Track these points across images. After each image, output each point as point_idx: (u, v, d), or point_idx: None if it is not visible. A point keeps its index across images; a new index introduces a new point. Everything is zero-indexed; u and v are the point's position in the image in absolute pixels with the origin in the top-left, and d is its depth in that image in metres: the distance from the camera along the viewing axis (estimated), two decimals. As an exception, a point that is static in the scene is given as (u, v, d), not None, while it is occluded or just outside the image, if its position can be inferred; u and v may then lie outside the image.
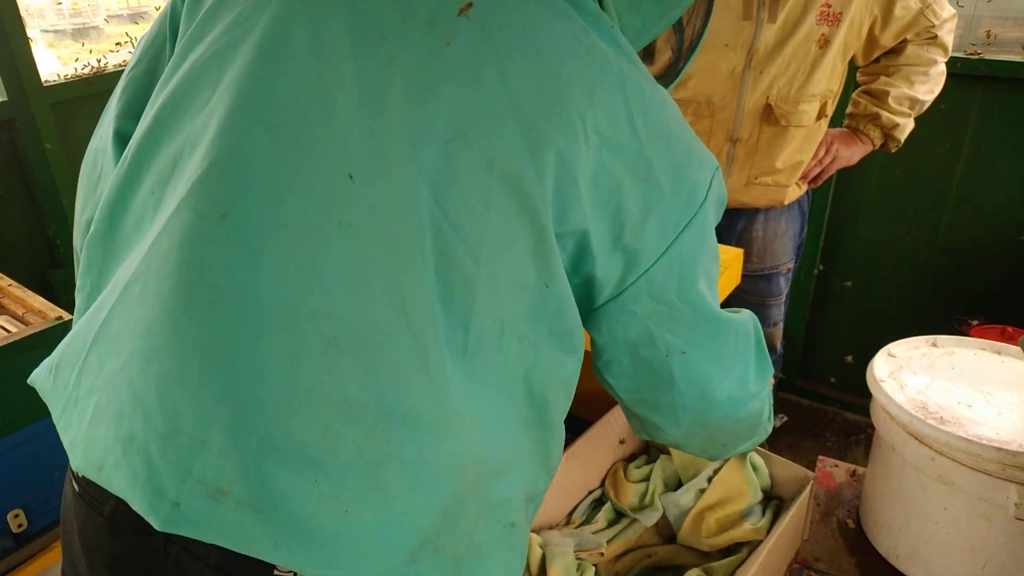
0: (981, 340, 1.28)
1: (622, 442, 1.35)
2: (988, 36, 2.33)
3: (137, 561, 0.71)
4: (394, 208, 0.67)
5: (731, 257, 1.57)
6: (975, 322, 2.42)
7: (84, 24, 11.32)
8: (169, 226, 0.68)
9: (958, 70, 2.22)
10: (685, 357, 0.83)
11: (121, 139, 0.84)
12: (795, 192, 1.98)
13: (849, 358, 2.85)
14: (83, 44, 5.30)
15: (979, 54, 2.26)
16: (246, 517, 0.63)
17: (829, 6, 1.71)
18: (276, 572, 0.67)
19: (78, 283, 0.84)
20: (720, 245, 1.61)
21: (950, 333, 2.41)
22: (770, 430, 1.00)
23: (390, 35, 0.70)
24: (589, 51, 0.73)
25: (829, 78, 1.81)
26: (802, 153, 1.89)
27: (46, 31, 10.82)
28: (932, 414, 1.09)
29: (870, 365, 1.22)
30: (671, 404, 0.86)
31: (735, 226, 2.01)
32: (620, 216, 0.75)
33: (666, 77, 0.99)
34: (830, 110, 1.87)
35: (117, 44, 3.04)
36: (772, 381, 1.03)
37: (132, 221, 0.76)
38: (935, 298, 2.62)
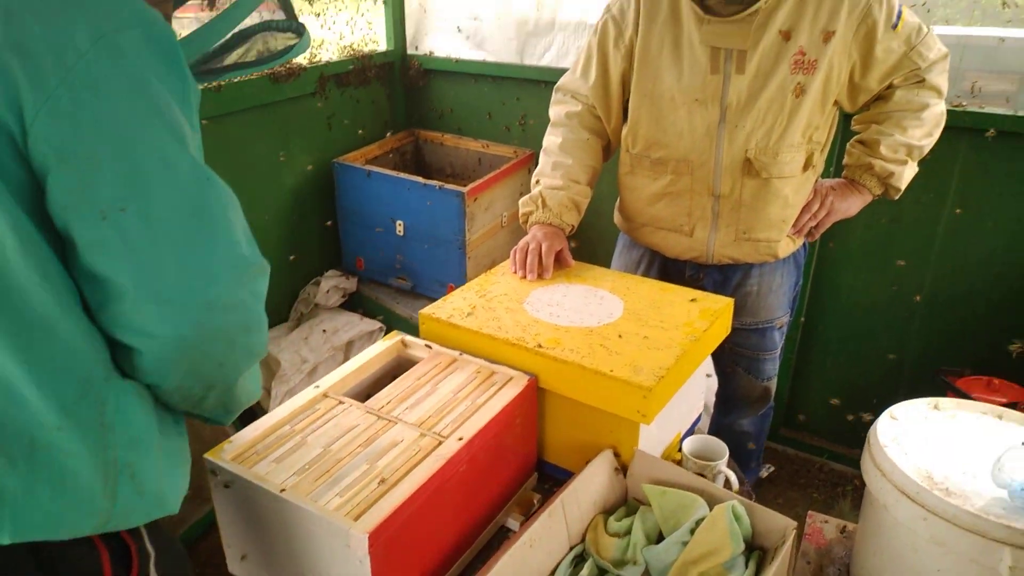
0: (982, 404, 1.26)
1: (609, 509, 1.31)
2: (973, 89, 2.35)
3: None
4: None
5: (722, 306, 1.54)
6: (965, 373, 2.40)
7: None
8: None
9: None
10: None
11: None
12: (789, 246, 1.93)
13: (835, 404, 2.83)
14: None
15: (963, 106, 2.28)
16: None
17: (803, 54, 1.67)
18: None
19: None
20: (711, 294, 1.60)
21: (935, 386, 2.40)
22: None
23: None
24: None
25: (811, 127, 1.76)
26: (791, 206, 1.84)
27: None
28: (937, 484, 1.06)
29: (872, 428, 1.20)
30: None
31: (730, 281, 1.96)
32: None
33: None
34: (818, 160, 1.83)
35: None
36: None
37: None
38: (921, 349, 2.62)
